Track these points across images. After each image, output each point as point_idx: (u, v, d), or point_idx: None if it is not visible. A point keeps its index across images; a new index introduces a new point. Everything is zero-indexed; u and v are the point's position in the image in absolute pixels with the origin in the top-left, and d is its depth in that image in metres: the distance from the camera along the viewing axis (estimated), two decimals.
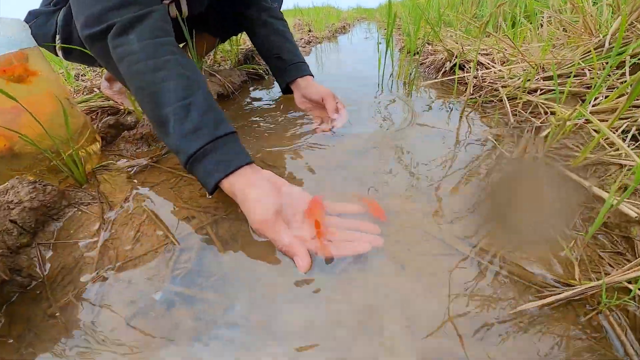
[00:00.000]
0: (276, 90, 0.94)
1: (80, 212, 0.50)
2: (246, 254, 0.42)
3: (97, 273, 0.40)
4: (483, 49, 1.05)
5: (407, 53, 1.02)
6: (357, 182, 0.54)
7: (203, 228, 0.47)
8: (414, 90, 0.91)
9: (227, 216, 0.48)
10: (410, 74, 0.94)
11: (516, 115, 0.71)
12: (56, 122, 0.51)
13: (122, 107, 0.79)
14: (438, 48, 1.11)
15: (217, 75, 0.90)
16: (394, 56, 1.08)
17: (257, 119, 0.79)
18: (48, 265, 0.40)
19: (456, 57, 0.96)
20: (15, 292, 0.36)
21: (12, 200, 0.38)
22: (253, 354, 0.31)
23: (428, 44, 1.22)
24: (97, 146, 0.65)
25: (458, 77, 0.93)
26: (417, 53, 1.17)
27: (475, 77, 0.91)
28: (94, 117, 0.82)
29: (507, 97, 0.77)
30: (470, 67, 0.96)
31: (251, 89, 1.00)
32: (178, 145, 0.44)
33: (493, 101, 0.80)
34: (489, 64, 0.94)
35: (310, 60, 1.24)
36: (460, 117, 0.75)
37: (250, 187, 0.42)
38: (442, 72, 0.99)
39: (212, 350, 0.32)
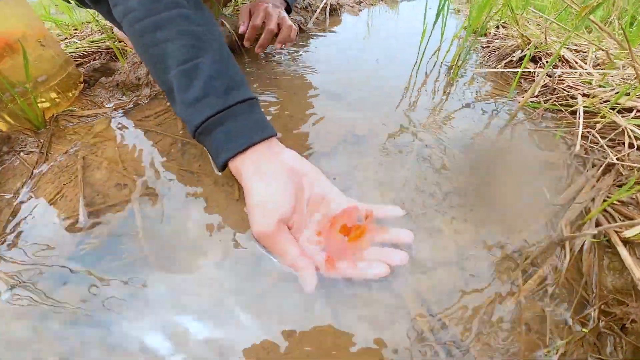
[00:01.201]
0: (293, 52, 0.82)
1: (18, 161, 0.47)
2: (172, 243, 0.37)
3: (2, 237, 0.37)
4: (574, 43, 0.80)
5: (474, 33, 0.82)
6: None
7: (130, 201, 0.41)
8: (458, 77, 0.73)
9: (170, 191, 0.42)
10: (459, 57, 0.74)
11: (587, 138, 0.52)
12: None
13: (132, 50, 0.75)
14: (512, 33, 0.88)
15: (225, 24, 0.79)
16: (449, 31, 0.88)
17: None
18: None
19: (532, 46, 0.74)
20: None
21: None
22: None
23: (502, 26, 0.98)
24: (73, 92, 0.61)
25: (524, 71, 0.72)
26: (485, 34, 0.95)
27: (550, 75, 0.69)
28: (97, 57, 0.78)
29: (585, 111, 0.57)
30: (547, 62, 0.74)
31: (269, 48, 0.88)
32: (184, 116, 0.38)
33: (562, 112, 0.60)
34: (575, 62, 0.71)
35: (351, 24, 1.07)
36: (506, 124, 0.57)
37: (258, 178, 0.35)
38: (506, 61, 0.78)
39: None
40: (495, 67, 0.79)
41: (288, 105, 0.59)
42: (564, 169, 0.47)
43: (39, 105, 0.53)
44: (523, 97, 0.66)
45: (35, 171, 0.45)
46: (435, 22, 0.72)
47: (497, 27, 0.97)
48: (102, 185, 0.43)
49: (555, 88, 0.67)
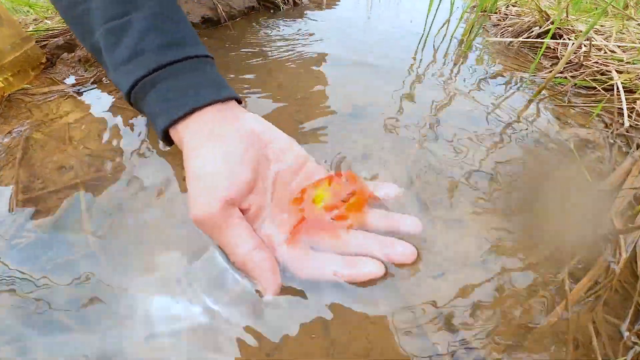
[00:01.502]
0: (291, 29, 0.74)
1: None
2: (125, 236, 0.29)
3: None
4: (600, 25, 0.72)
5: (483, 11, 0.74)
6: None
7: (75, 187, 0.33)
8: (470, 51, 0.65)
9: (129, 174, 0.35)
10: (471, 29, 0.67)
11: (631, 117, 0.44)
12: None
13: None
14: (526, 10, 0.80)
15: None
16: (457, 8, 0.80)
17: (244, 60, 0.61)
18: None
19: (553, 22, 0.66)
20: None
21: None
22: None
23: (513, 5, 0.89)
24: (34, 71, 0.54)
25: (547, 48, 0.64)
26: (495, 12, 0.87)
27: (576, 52, 0.62)
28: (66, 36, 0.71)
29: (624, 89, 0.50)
30: (570, 39, 0.66)
31: (260, 19, 0.80)
32: (115, 80, 0.31)
33: (595, 89, 0.52)
34: (600, 42, 0.63)
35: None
36: (530, 100, 0.49)
37: (200, 145, 0.26)
38: (522, 37, 0.70)
39: None
40: (510, 43, 0.71)
41: (279, 75, 0.52)
42: (606, 149, 0.39)
43: None
44: (547, 72, 0.59)
45: None
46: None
47: (507, 6, 0.89)
48: (42, 169, 0.36)
49: (582, 64, 0.59)
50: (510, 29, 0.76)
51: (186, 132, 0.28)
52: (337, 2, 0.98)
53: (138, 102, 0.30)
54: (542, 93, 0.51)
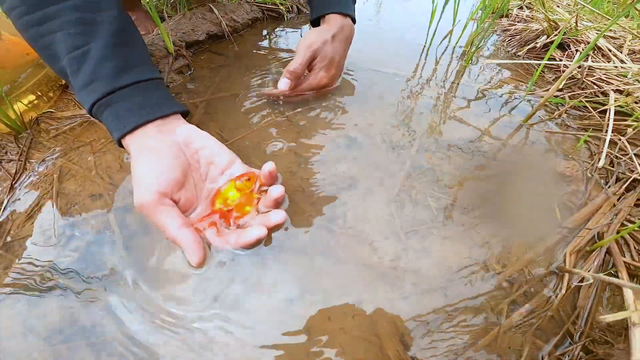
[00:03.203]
0: (292, 39, 0.80)
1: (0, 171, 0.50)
2: (149, 253, 0.39)
3: None
4: (612, 31, 0.74)
5: (492, 13, 0.77)
6: None
7: (106, 214, 0.42)
8: (471, 64, 0.69)
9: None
10: (474, 40, 0.70)
11: (616, 145, 0.49)
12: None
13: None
14: (537, 16, 0.82)
15: (214, 10, 0.78)
16: (463, 11, 0.83)
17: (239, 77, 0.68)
18: None
19: (560, 32, 0.69)
20: None
21: None
22: None
23: (527, 7, 0.91)
24: (55, 92, 0.63)
25: (548, 61, 0.68)
26: (505, 16, 0.89)
27: (580, 67, 0.65)
28: None
29: (617, 111, 0.54)
30: (577, 50, 0.69)
31: (264, 30, 0.87)
32: (79, 100, 0.41)
33: (589, 111, 0.56)
34: (610, 52, 0.66)
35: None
36: (520, 125, 0.54)
37: (142, 152, 0.38)
38: (528, 47, 0.73)
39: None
40: (515, 54, 0.74)
41: None
42: (583, 183, 0.44)
43: (16, 108, 0.54)
44: (544, 90, 0.63)
45: (15, 184, 0.47)
46: (445, 4, 0.68)
47: (521, 7, 0.91)
48: (76, 197, 0.45)
49: (583, 81, 0.62)
50: (518, 36, 0.79)
51: (130, 143, 0.38)
52: None
53: (98, 116, 0.40)
54: (536, 115, 0.56)
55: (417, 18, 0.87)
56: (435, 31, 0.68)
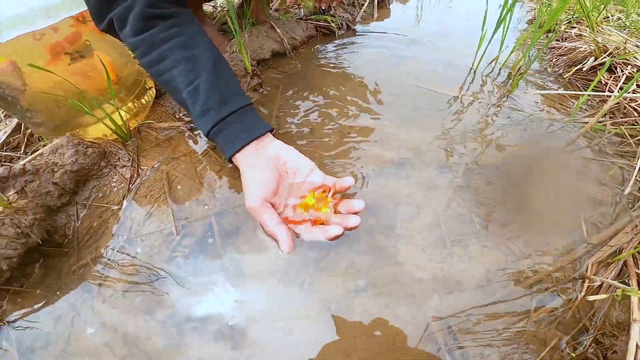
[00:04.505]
0: (342, 53, 0.92)
1: (115, 175, 0.65)
2: (242, 249, 0.53)
3: (113, 242, 0.55)
4: None
5: (544, 30, 0.84)
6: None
7: (208, 217, 0.57)
8: (517, 88, 0.78)
9: (233, 209, 0.57)
10: (520, 64, 0.79)
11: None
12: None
13: None
14: (585, 35, 0.88)
15: (276, 29, 0.92)
16: (512, 27, 0.90)
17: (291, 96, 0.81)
18: (79, 224, 0.56)
19: (609, 54, 0.76)
20: (53, 248, 0.52)
21: (57, 163, 0.52)
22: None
23: (576, 22, 0.97)
24: (147, 100, 0.77)
25: (594, 90, 0.75)
26: (552, 31, 0.95)
27: (625, 98, 0.72)
28: None
29: None
30: (623, 73, 0.76)
31: (318, 46, 0.99)
32: (198, 126, 0.60)
33: (628, 138, 0.64)
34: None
35: (407, 9, 1.13)
36: (559, 150, 0.63)
37: (249, 168, 0.52)
38: (576, 69, 0.80)
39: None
40: (561, 75, 0.82)
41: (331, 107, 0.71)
42: (612, 206, 0.53)
43: (124, 116, 0.68)
44: (587, 115, 0.71)
45: (131, 186, 0.63)
46: (495, 31, 0.77)
47: (570, 21, 0.97)
48: (184, 202, 0.59)
49: (625, 106, 0.70)
50: (565, 56, 0.86)
51: (239, 160, 0.53)
52: (386, 18, 1.13)
53: (214, 140, 0.56)
54: (582, 139, 0.64)
55: (469, 41, 0.96)
56: (483, 55, 0.78)
